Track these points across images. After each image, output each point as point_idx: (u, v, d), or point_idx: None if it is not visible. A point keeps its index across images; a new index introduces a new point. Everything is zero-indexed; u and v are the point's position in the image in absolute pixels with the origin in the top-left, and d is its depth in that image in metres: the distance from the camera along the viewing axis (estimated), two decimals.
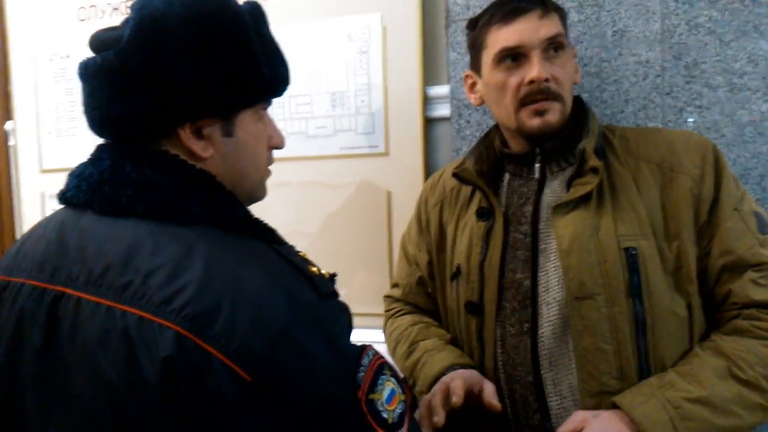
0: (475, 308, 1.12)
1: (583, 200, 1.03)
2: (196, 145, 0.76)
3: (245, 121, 0.80)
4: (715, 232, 1.01)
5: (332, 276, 0.77)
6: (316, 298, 0.69)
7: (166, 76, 0.72)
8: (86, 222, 0.74)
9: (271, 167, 0.89)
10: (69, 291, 0.70)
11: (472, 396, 1.05)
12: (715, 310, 1.02)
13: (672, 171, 1.03)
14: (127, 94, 0.72)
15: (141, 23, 0.71)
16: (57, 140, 1.89)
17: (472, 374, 1.08)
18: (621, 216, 1.02)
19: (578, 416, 0.95)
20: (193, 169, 0.75)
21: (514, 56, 1.06)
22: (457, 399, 1.01)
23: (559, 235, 1.03)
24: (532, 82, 1.04)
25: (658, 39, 1.30)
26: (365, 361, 0.70)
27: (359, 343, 0.72)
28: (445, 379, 1.07)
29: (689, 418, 0.90)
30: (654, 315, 0.99)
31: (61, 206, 0.80)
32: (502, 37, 1.07)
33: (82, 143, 1.82)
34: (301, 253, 0.77)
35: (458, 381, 1.04)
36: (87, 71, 0.75)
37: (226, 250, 0.69)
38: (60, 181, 0.80)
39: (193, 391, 0.61)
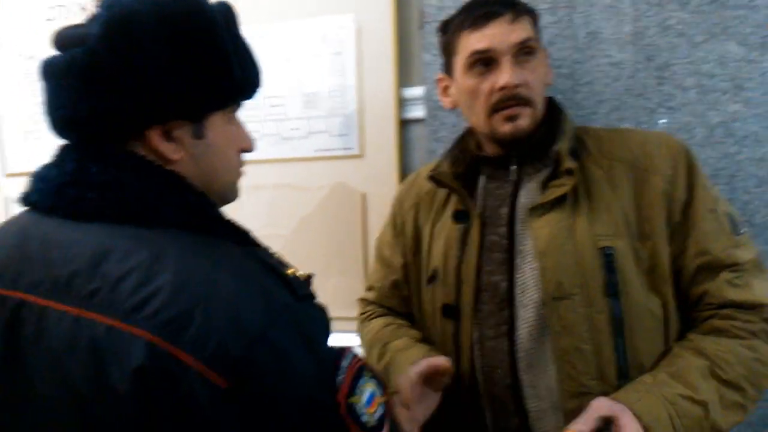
0: (451, 311, 1.11)
1: (558, 201, 1.03)
2: (166, 147, 0.74)
3: (216, 123, 0.78)
4: (690, 232, 1.01)
5: (308, 277, 0.76)
6: (293, 300, 0.68)
7: (136, 76, 0.69)
8: (50, 226, 0.71)
9: (243, 169, 0.87)
10: (32, 298, 0.67)
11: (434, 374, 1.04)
12: (691, 310, 1.03)
13: (645, 171, 1.04)
14: (95, 94, 0.70)
15: (111, 21, 0.69)
16: (22, 143, 1.83)
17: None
18: (596, 216, 1.02)
19: (603, 405, 0.92)
20: (162, 170, 0.73)
21: (485, 61, 1.06)
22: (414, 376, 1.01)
23: (536, 236, 1.03)
24: (503, 88, 1.04)
25: (630, 41, 1.31)
26: (344, 363, 0.69)
27: (338, 346, 0.71)
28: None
29: (685, 415, 0.91)
30: (631, 314, 0.99)
31: (23, 209, 0.77)
32: (473, 42, 1.06)
33: (48, 146, 1.76)
34: (276, 255, 0.75)
35: (404, 379, 1.03)
36: (51, 69, 0.72)
37: (198, 254, 0.67)
38: (25, 185, 0.77)
39: (167, 400, 0.60)
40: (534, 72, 1.07)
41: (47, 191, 0.72)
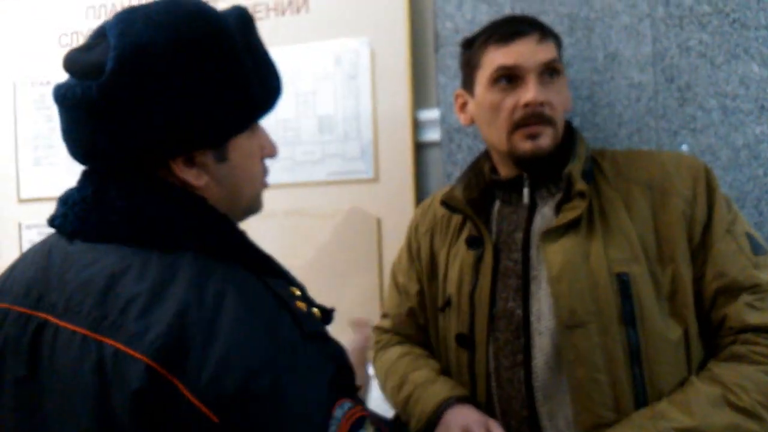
0: (465, 340, 1.13)
1: (572, 225, 1.05)
2: (189, 174, 0.75)
3: (238, 142, 0.79)
4: (708, 254, 1.02)
5: (327, 312, 0.77)
6: (299, 338, 0.68)
7: (153, 110, 0.70)
8: (72, 248, 0.74)
9: (267, 177, 0.89)
10: (51, 318, 0.70)
11: None
12: (713, 336, 1.03)
13: (664, 193, 1.05)
14: (111, 129, 0.71)
15: (124, 53, 0.69)
16: (35, 169, 1.90)
17: (470, 418, 1.06)
18: (612, 240, 1.03)
19: None
20: (183, 192, 0.75)
21: (509, 77, 1.09)
22: None
23: (549, 261, 1.04)
24: (527, 105, 1.07)
25: (649, 62, 1.34)
26: (338, 413, 0.68)
27: (335, 393, 0.70)
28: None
29: None
30: (648, 342, 0.99)
31: (52, 231, 0.80)
32: (499, 57, 1.09)
33: (62, 172, 1.83)
34: (293, 289, 0.76)
35: None
36: (65, 100, 0.73)
37: (208, 281, 0.68)
38: (38, 211, 0.81)
39: (165, 426, 0.62)
40: (558, 93, 1.11)
41: (70, 217, 0.75)
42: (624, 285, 1.00)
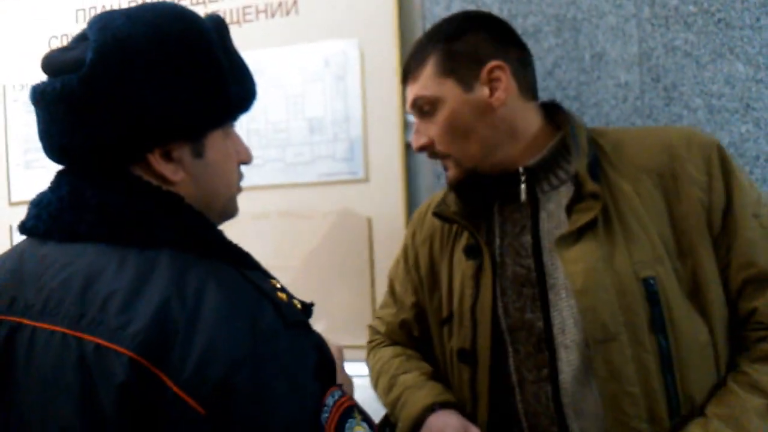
0: (467, 357, 1.03)
1: (588, 228, 0.93)
2: (166, 169, 0.73)
3: (214, 140, 0.77)
4: (732, 242, 0.91)
5: (307, 306, 0.74)
6: (282, 327, 0.66)
7: (133, 102, 0.68)
8: (46, 249, 0.71)
9: (246, 192, 0.87)
10: (25, 321, 0.67)
11: None
12: (740, 328, 0.94)
13: (675, 179, 0.93)
14: (91, 122, 0.69)
15: (104, 46, 0.68)
16: (26, 172, 1.83)
17: (450, 423, 1.00)
18: (634, 241, 0.92)
19: None
20: (159, 190, 0.72)
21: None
22: None
23: (570, 272, 0.92)
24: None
25: (636, 62, 1.31)
26: (329, 401, 0.66)
27: (323, 382, 0.68)
28: None
29: None
30: (679, 347, 0.90)
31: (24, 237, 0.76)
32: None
33: (53, 175, 1.82)
34: (272, 281, 0.73)
35: None
36: (44, 97, 0.70)
37: (188, 274, 0.66)
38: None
39: (149, 420, 0.60)
40: (438, 124, 1.01)
41: (44, 218, 0.72)
42: (651, 290, 0.90)
